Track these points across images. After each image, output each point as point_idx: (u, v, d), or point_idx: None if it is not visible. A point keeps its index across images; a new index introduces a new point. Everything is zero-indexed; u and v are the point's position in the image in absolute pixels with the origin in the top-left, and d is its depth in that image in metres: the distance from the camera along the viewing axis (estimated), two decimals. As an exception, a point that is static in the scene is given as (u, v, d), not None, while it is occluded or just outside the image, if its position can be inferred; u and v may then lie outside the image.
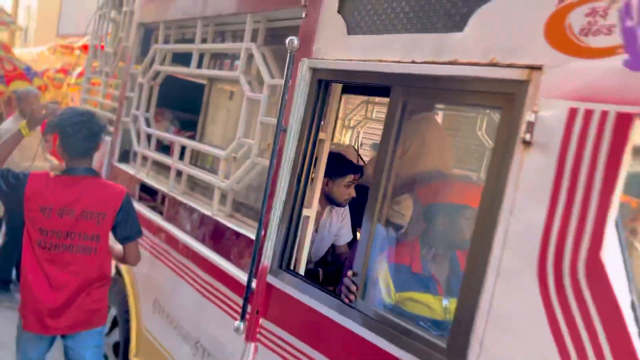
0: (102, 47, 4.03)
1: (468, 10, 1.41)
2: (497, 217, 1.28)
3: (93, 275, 2.29)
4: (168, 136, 3.04)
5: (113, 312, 3.15)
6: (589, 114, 1.14)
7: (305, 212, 1.96)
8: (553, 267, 1.17)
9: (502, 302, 1.26)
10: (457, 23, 1.44)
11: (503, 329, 1.25)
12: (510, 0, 1.33)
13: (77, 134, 2.21)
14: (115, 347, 3.08)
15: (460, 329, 1.34)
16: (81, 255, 2.26)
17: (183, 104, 3.51)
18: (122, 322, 3.03)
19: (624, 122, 1.08)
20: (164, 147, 3.29)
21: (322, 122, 1.95)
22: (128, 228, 2.32)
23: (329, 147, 2.05)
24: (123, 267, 3.11)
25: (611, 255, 1.12)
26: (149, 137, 3.14)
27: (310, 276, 2.11)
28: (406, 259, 1.90)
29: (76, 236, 2.24)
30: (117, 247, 2.40)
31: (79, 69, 8.37)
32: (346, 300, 1.67)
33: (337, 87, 2.03)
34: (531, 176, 1.23)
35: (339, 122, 4.03)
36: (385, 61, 1.62)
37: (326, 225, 2.70)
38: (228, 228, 2.28)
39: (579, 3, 1.18)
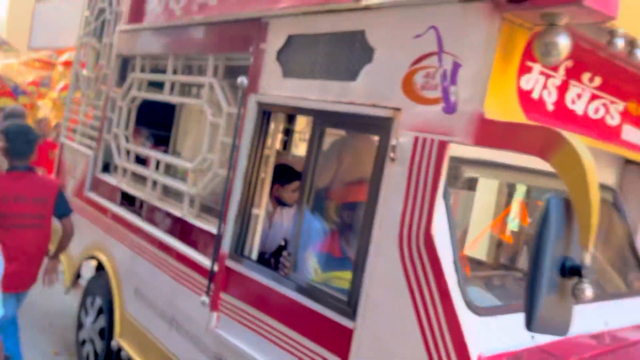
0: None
1: (358, 66, 2.04)
2: (375, 208, 1.90)
3: (40, 246, 3.14)
4: (144, 151, 3.60)
5: (99, 301, 3.68)
6: (424, 140, 1.77)
7: (254, 211, 2.56)
8: (407, 239, 1.79)
9: (378, 265, 1.88)
10: (352, 75, 2.06)
11: (379, 284, 1.87)
12: (382, 63, 1.96)
13: (20, 140, 3.04)
14: (101, 332, 3.62)
15: (354, 286, 1.95)
16: (32, 230, 3.05)
17: (157, 122, 4.06)
18: (106, 309, 3.56)
19: (442, 146, 1.72)
20: (142, 160, 3.84)
21: (267, 142, 2.55)
22: (64, 207, 3.20)
23: (273, 160, 2.65)
24: (107, 263, 3.65)
25: (439, 231, 1.74)
26: (127, 151, 3.70)
27: (264, 261, 2.70)
28: (331, 246, 2.52)
29: (28, 217, 3.02)
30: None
31: (62, 83, 8.77)
32: (282, 274, 2.27)
33: (279, 115, 2.64)
34: (394, 180, 1.85)
35: (297, 135, 4.63)
36: (308, 99, 2.23)
37: (278, 222, 3.29)
38: (195, 225, 2.86)
39: (421, 68, 1.82)
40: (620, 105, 2.24)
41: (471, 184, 3.03)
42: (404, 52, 1.86)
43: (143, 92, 3.63)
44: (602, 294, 2.68)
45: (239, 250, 2.53)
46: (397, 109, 1.87)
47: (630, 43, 1.69)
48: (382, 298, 1.85)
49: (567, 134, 1.44)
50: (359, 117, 2.02)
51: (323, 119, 2.20)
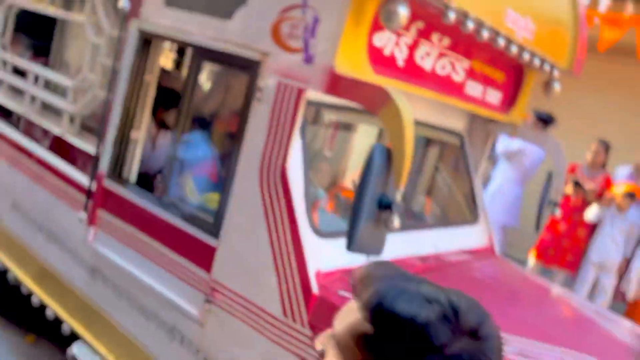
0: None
1: (234, 7, 2.17)
2: (242, 140, 2.12)
3: None
4: (22, 62, 3.48)
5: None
6: (286, 85, 1.99)
7: (133, 134, 2.67)
8: (266, 170, 2.04)
9: (241, 191, 2.12)
10: (228, 14, 2.19)
11: (241, 208, 2.12)
12: (255, 7, 2.10)
13: None
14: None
15: (220, 209, 2.19)
16: None
17: (39, 30, 3.88)
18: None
19: (300, 92, 1.95)
20: (21, 72, 3.70)
21: (148, 68, 2.62)
22: None
23: (154, 86, 2.73)
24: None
25: (293, 165, 2.01)
26: (4, 61, 3.55)
27: (145, 182, 2.84)
28: (211, 171, 2.72)
29: None
30: None
31: None
32: (156, 195, 2.46)
33: (161, 42, 2.70)
34: (259, 118, 2.07)
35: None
36: (188, 31, 2.34)
37: (162, 145, 3.41)
38: (74, 145, 2.91)
39: (288, 18, 1.99)
40: (466, 63, 2.57)
41: (350, 128, 3.32)
42: (275, 1, 2.02)
43: (23, 1, 3.46)
44: (436, 222, 3.15)
45: (116, 171, 2.66)
46: (265, 54, 2.05)
47: (464, 15, 1.98)
48: (243, 220, 2.11)
49: (394, 93, 1.72)
50: (232, 56, 2.17)
51: (201, 53, 2.32)
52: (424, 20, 2.18)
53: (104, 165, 2.67)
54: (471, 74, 2.62)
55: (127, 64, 2.58)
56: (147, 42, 2.55)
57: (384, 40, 2.06)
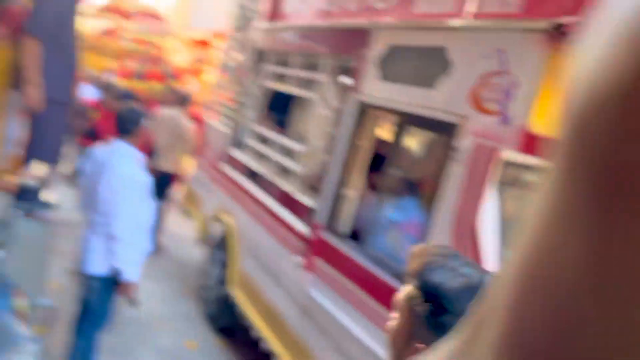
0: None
1: (437, 77, 2.39)
2: (437, 199, 2.26)
3: None
4: (266, 132, 4.22)
5: (222, 255, 4.41)
6: (481, 145, 2.09)
7: (346, 191, 3.02)
8: (458, 229, 2.13)
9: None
10: (431, 83, 2.42)
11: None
12: (456, 76, 2.29)
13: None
14: (221, 281, 4.35)
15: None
16: None
17: (284, 109, 4.68)
18: (226, 263, 4.28)
19: (495, 151, 2.03)
20: (266, 141, 4.47)
21: (363, 135, 2.98)
22: None
23: (368, 151, 3.07)
24: (231, 224, 4.36)
25: (484, 223, 2.06)
26: (254, 132, 4.35)
27: (356, 236, 3.15)
28: (417, 231, 2.90)
29: None
30: None
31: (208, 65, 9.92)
32: (363, 248, 2.72)
33: (374, 112, 3.05)
34: (454, 177, 2.20)
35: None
36: (397, 101, 2.63)
37: (372, 204, 3.72)
38: (300, 200, 3.40)
39: (486, 83, 2.13)
40: None
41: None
42: (474, 68, 2.18)
43: (271, 82, 4.24)
44: None
45: (331, 223, 3.02)
46: (464, 117, 2.20)
47: None
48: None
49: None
50: (433, 121, 2.38)
51: (407, 119, 2.58)
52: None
53: (321, 217, 3.05)
54: None
55: (346, 131, 2.98)
56: (364, 112, 2.92)
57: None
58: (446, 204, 2.21)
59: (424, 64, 2.53)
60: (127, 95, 5.55)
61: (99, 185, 2.88)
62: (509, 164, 2.10)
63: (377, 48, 2.87)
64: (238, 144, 4.76)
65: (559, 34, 1.83)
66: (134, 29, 10.30)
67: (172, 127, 5.79)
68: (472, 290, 0.84)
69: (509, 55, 2.04)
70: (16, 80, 3.25)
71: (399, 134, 2.62)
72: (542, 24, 1.88)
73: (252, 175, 4.32)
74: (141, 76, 8.86)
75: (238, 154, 4.61)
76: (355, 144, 2.96)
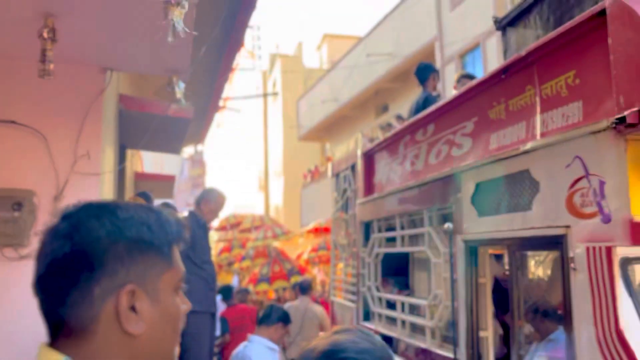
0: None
1: (531, 198, 2.48)
2: (571, 316, 2.19)
3: None
4: (391, 296, 4.31)
5: None
6: (594, 248, 2.08)
7: (481, 334, 2.95)
8: (603, 340, 2.03)
9: (585, 365, 2.11)
10: (527, 205, 2.50)
11: (590, 383, 2.08)
12: (547, 191, 2.37)
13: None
14: None
15: (571, 388, 2.18)
16: None
17: (399, 270, 4.80)
18: None
19: (609, 251, 2.01)
20: (392, 305, 4.54)
21: (479, 272, 3.01)
22: None
23: (489, 289, 3.06)
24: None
25: (629, 326, 1.95)
26: (379, 299, 4.46)
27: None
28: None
29: None
30: None
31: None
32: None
33: (482, 247, 3.10)
34: (579, 286, 2.15)
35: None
36: (499, 231, 2.71)
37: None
38: (438, 353, 3.33)
39: (576, 190, 2.19)
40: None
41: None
42: (562, 180, 2.27)
43: (382, 248, 4.46)
44: None
45: (475, 370, 2.91)
46: (567, 227, 2.23)
47: None
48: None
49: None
50: (539, 238, 2.41)
51: (513, 245, 2.63)
52: None
53: (463, 366, 2.96)
54: None
55: (462, 273, 3.03)
56: (473, 250, 2.99)
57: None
58: (581, 315, 2.14)
59: (513, 190, 2.65)
60: (244, 292, 6.08)
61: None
62: (628, 260, 2.05)
63: (467, 190, 3.05)
64: (366, 315, 4.85)
65: (624, 126, 1.93)
66: (254, 239, 11.32)
67: (301, 315, 6.06)
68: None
69: (587, 159, 2.13)
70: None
71: (511, 264, 2.64)
72: (605, 123, 2.00)
73: (387, 341, 4.31)
74: (267, 279, 9.47)
75: (369, 325, 4.67)
76: (473, 283, 2.98)
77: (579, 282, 2.16)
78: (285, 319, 3.39)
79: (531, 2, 2.85)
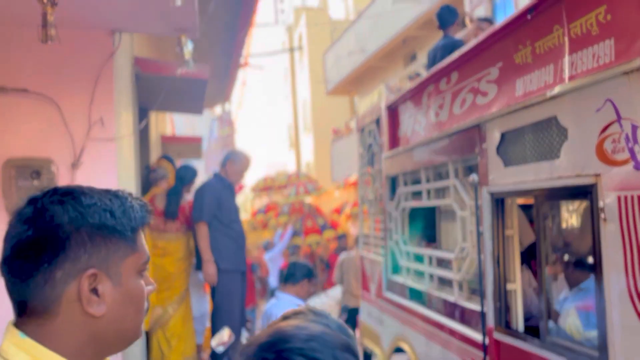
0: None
1: (559, 146, 2.35)
2: (601, 266, 2.09)
3: None
4: (419, 250, 4.26)
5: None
6: (626, 197, 1.97)
7: (509, 286, 2.88)
8: (636, 291, 1.94)
9: (619, 319, 2.03)
10: (555, 154, 2.38)
11: (622, 337, 2.01)
12: (576, 138, 2.24)
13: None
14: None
15: (600, 339, 2.11)
16: None
17: (426, 224, 4.74)
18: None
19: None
20: (420, 258, 4.51)
21: (507, 224, 2.92)
22: None
23: (517, 241, 2.97)
24: (409, 351, 4.28)
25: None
26: (407, 253, 4.42)
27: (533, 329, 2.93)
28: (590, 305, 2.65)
29: None
30: None
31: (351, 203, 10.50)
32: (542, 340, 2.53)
33: (509, 199, 2.99)
34: (611, 237, 2.05)
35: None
36: (526, 181, 2.59)
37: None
38: (466, 307, 3.30)
39: (607, 136, 2.06)
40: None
41: None
42: (591, 126, 2.14)
43: (409, 202, 4.39)
44: None
45: (502, 322, 2.86)
46: (598, 175, 2.11)
47: None
48: (627, 349, 1.98)
49: None
50: (569, 188, 2.29)
51: (541, 196, 2.51)
52: None
53: (490, 319, 2.92)
54: None
55: (488, 226, 2.95)
56: (499, 202, 2.89)
57: None
58: (614, 268, 2.04)
59: (540, 138, 2.51)
60: (294, 249, 6.17)
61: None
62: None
63: (492, 140, 2.93)
64: (394, 268, 4.84)
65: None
66: (287, 195, 11.40)
67: (353, 267, 6.16)
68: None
69: (618, 102, 1.99)
70: (198, 261, 3.79)
71: (539, 215, 2.54)
72: (638, 61, 1.85)
73: (417, 295, 4.30)
74: (300, 233, 9.58)
75: (397, 278, 4.66)
76: (500, 235, 2.90)
77: (610, 233, 2.05)
78: (309, 274, 3.41)
79: None
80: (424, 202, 4.02)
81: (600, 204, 2.09)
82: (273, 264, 8.89)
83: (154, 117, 5.37)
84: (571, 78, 2.27)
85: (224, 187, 3.98)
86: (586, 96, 2.18)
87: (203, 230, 3.73)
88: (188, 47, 2.67)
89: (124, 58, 2.87)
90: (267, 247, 9.56)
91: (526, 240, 3.10)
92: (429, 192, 3.98)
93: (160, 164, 4.27)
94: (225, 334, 3.21)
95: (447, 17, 4.71)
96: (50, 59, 2.51)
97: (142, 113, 4.58)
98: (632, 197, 1.94)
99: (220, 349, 3.22)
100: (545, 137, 2.47)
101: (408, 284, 4.36)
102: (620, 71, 1.96)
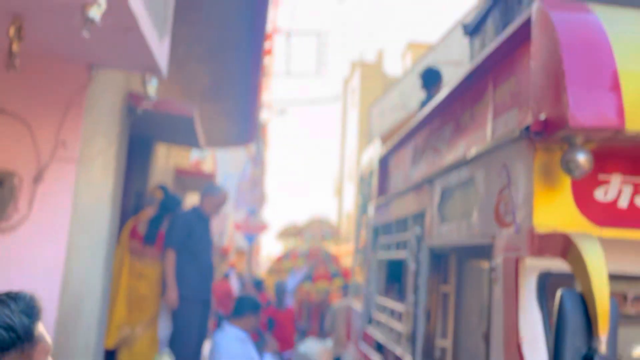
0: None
1: (473, 206, 2.42)
2: (490, 325, 2.12)
3: None
4: (383, 301, 4.28)
5: None
6: (508, 259, 2.02)
7: (440, 343, 2.89)
8: (509, 353, 1.96)
9: (494, 379, 2.04)
10: (470, 214, 2.45)
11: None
12: (484, 200, 2.31)
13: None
14: None
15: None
16: None
17: (399, 275, 4.75)
18: None
19: (517, 261, 1.94)
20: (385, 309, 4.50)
21: (442, 280, 2.95)
22: None
23: (453, 297, 2.98)
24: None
25: (529, 340, 1.87)
26: (378, 305, 4.45)
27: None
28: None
29: None
30: None
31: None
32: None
33: (451, 256, 3.03)
34: (496, 297, 2.08)
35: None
36: (449, 238, 2.66)
37: None
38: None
39: (502, 199, 2.13)
40: None
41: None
42: (494, 188, 2.21)
43: (384, 253, 4.45)
44: None
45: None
46: (493, 236, 2.17)
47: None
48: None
49: (577, 237, 1.59)
50: (477, 247, 2.35)
51: (460, 254, 2.57)
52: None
53: (418, 374, 2.92)
54: None
55: (424, 280, 2.99)
56: (433, 257, 2.95)
57: (613, 192, 1.91)
58: (497, 331, 2.07)
59: (463, 197, 2.59)
60: (258, 284, 6.27)
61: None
62: (542, 273, 1.97)
63: (436, 195, 3.01)
64: (369, 320, 4.84)
65: (531, 134, 1.87)
66: (307, 239, 11.51)
67: (344, 316, 6.18)
68: None
69: (510, 167, 2.07)
70: (164, 287, 3.99)
71: (455, 271, 2.58)
72: (517, 131, 1.94)
73: (380, 348, 4.29)
74: (310, 278, 9.63)
75: (370, 330, 4.66)
76: (435, 291, 2.93)
77: (496, 292, 2.09)
78: (254, 308, 3.54)
79: (487, 8, 2.76)
80: (389, 254, 4.08)
81: (492, 264, 2.14)
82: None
83: (164, 149, 5.73)
84: (485, 142, 2.37)
85: (198, 218, 4.21)
86: (492, 160, 2.27)
87: (170, 257, 3.96)
88: (152, 84, 2.97)
89: (105, 90, 3.21)
90: (279, 287, 9.66)
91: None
92: (397, 244, 4.04)
93: (153, 192, 4.56)
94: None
95: (430, 78, 4.89)
96: (28, 84, 2.86)
97: (145, 144, 4.95)
98: (511, 259, 1.99)
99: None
100: (466, 197, 2.54)
101: (376, 336, 4.36)
102: (509, 139, 2.05)
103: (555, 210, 1.87)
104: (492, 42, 2.60)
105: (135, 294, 4.16)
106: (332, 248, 11.63)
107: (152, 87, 2.96)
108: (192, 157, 11.69)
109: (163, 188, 4.66)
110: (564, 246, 1.64)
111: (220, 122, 7.73)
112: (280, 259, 12.40)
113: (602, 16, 1.86)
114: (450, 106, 3.09)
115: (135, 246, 4.21)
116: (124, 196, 4.63)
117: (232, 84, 6.01)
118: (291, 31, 15.05)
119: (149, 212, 4.37)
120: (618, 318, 1.49)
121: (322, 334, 8.22)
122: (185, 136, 4.71)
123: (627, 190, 1.91)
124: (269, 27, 6.10)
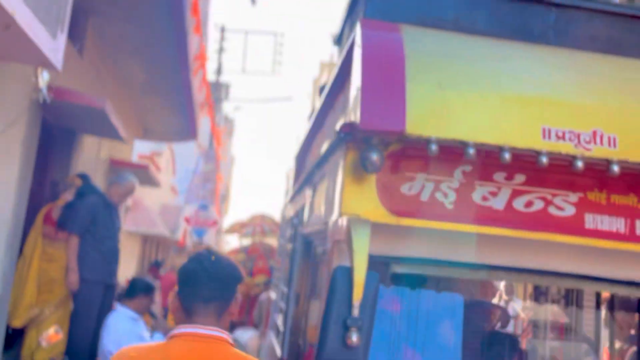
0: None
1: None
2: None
3: None
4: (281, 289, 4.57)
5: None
6: (333, 244, 2.32)
7: (302, 325, 3.18)
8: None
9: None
10: (330, 212, 2.75)
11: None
12: (324, 189, 2.62)
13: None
14: None
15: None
16: None
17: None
18: None
19: (334, 243, 2.25)
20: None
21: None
22: None
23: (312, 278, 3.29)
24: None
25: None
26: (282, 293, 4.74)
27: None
28: None
29: None
30: None
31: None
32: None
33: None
34: (324, 278, 2.38)
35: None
36: (315, 225, 2.95)
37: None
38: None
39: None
40: (573, 197, 2.30)
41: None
42: (331, 182, 2.52)
43: (289, 245, 4.74)
44: None
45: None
46: (326, 224, 2.48)
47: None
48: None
49: (352, 222, 1.90)
50: (324, 234, 2.66)
51: (315, 240, 2.87)
52: (472, 164, 2.24)
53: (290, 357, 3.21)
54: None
55: (297, 265, 3.29)
56: (308, 245, 3.25)
57: (417, 187, 2.22)
58: (321, 305, 2.37)
59: (322, 191, 2.90)
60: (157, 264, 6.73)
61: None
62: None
63: (310, 188, 3.32)
64: (278, 309, 5.13)
65: (342, 135, 2.17)
66: (247, 234, 11.69)
67: (267, 306, 6.49)
68: None
69: (332, 164, 2.39)
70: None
71: (316, 258, 2.89)
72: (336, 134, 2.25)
73: (278, 334, 4.57)
74: (250, 272, 9.83)
75: (278, 319, 4.94)
76: (303, 274, 3.23)
77: (324, 274, 2.39)
78: (147, 290, 3.78)
79: (344, 20, 3.09)
80: (290, 245, 4.37)
81: (325, 248, 2.44)
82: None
83: (94, 140, 5.92)
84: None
85: (104, 204, 4.43)
86: (331, 159, 2.57)
87: (73, 242, 4.17)
88: (44, 78, 3.17)
89: (11, 81, 3.41)
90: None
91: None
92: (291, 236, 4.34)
93: (72, 180, 4.74)
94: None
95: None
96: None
97: (67, 135, 5.15)
98: (333, 244, 2.29)
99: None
100: (323, 190, 2.85)
101: (279, 325, 4.64)
102: (335, 140, 2.36)
103: (360, 201, 2.18)
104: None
105: (46, 276, 4.33)
106: (275, 243, 11.85)
107: (44, 81, 3.16)
108: (144, 150, 11.80)
109: (83, 176, 4.84)
110: (347, 230, 1.95)
111: (161, 116, 7.91)
112: (235, 252, 12.57)
113: (407, 36, 2.17)
114: (321, 111, 3.42)
115: (49, 231, 4.38)
116: (39, 184, 4.81)
117: (165, 79, 6.23)
118: (248, 30, 15.26)
119: (65, 198, 4.54)
120: (376, 289, 1.81)
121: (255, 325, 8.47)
122: (103, 128, 4.90)
123: (429, 187, 2.23)
124: (199, 25, 6.32)
